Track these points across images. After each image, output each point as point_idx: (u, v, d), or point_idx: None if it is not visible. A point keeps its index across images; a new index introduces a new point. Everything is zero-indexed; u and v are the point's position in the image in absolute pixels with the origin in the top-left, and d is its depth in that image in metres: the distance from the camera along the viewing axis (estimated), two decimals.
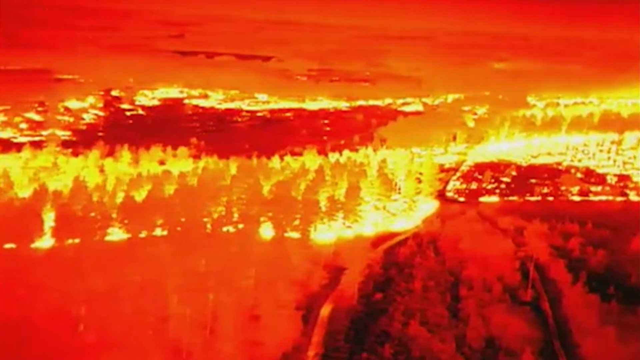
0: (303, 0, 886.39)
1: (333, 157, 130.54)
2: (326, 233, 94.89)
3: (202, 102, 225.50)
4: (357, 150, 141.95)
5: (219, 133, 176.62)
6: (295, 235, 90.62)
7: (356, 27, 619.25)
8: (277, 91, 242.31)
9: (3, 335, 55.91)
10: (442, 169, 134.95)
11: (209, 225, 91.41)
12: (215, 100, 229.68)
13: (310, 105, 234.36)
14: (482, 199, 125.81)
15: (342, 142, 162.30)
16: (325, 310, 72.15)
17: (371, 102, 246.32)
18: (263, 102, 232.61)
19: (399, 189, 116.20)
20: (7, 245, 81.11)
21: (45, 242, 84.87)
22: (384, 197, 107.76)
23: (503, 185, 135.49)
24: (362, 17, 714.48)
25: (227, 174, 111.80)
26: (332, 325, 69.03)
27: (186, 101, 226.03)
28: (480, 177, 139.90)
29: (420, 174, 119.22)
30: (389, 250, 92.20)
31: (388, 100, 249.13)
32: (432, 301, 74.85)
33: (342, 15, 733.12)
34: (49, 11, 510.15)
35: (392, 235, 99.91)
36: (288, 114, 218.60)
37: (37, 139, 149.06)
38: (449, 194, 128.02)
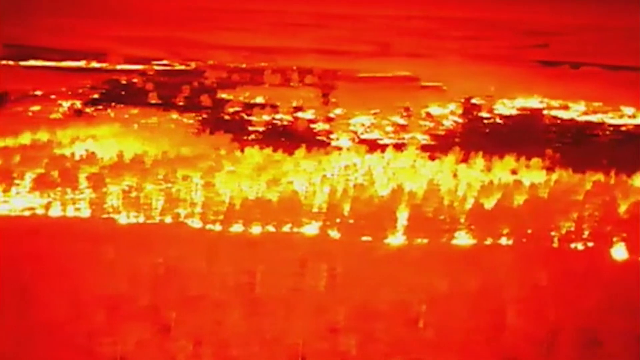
0: None
1: None
2: None
3: (562, 114, 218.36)
4: None
5: (577, 146, 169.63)
6: None
7: None
8: None
9: (356, 321, 61.70)
10: None
11: (556, 240, 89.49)
12: (576, 112, 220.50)
13: None
14: None
15: None
16: None
17: None
18: (629, 115, 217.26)
19: None
20: (364, 238, 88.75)
21: (397, 238, 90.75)
22: None
23: None
24: None
25: (581, 188, 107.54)
26: None
27: (545, 112, 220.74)
28: None
29: None
30: None
31: None
32: None
33: None
34: (425, 22, 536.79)
35: None
36: None
37: (399, 141, 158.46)
38: None
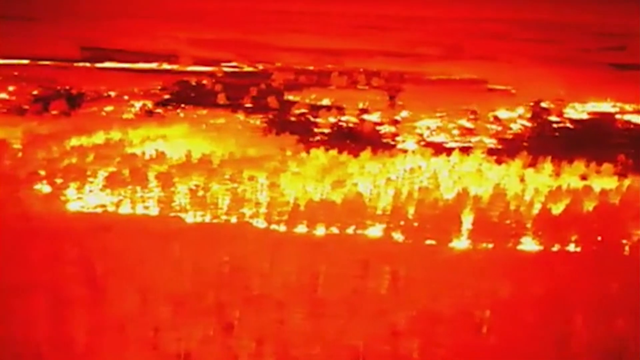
0: None
1: None
2: None
3: (635, 118, 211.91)
4: None
5: None
6: None
7: None
8: None
9: (418, 324, 61.45)
10: None
11: (627, 248, 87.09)
12: None
13: None
14: None
15: None
16: None
17: None
18: None
19: None
20: (428, 241, 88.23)
21: (462, 243, 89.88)
22: None
23: None
24: None
25: None
26: None
27: (617, 116, 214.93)
28: None
29: None
30: None
31: None
32: None
33: None
34: (493, 25, 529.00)
35: None
36: None
37: (465, 145, 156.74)
38: None
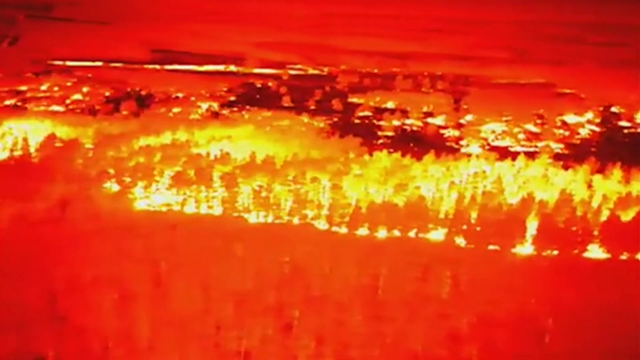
0: None
1: None
2: None
3: None
4: None
5: None
6: None
7: None
8: None
9: (479, 330, 60.80)
10: None
11: None
12: None
13: None
14: None
15: None
16: None
17: None
18: None
19: None
20: (491, 246, 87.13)
21: (526, 248, 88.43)
22: None
23: None
24: None
25: None
26: None
27: None
28: None
29: None
30: None
31: None
32: None
33: None
34: (561, 27, 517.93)
35: None
36: None
37: (531, 149, 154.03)
38: None
